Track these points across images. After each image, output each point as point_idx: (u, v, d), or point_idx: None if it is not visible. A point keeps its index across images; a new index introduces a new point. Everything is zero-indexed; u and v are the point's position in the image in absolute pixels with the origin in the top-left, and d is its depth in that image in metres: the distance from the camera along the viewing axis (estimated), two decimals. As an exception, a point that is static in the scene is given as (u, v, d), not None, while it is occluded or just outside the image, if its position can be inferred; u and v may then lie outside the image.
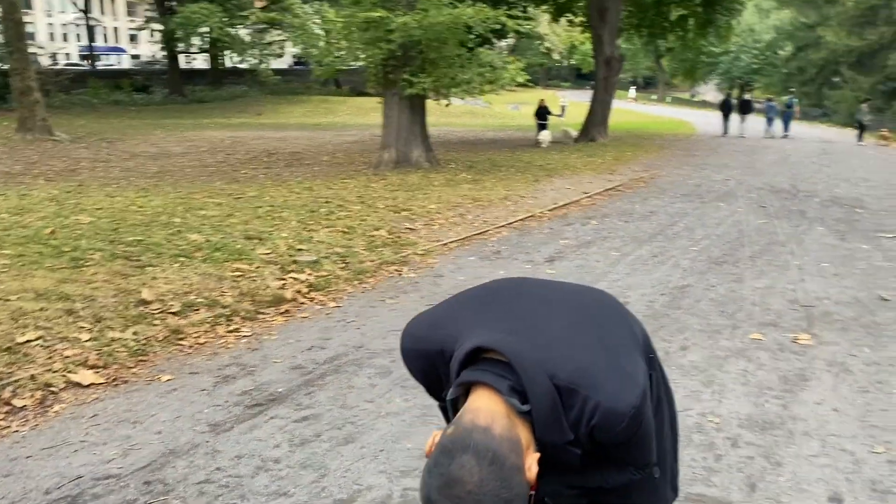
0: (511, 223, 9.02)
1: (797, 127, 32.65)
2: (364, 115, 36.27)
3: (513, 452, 1.22)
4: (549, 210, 9.96)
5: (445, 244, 7.80)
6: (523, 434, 1.29)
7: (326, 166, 15.39)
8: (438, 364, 1.47)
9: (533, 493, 1.58)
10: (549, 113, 21.72)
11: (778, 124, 28.65)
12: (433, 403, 3.75)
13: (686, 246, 7.88)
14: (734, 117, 28.45)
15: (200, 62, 50.38)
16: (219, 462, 3.21)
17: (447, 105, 15.00)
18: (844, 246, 8.06)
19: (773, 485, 3.08)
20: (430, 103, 14.93)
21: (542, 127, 21.19)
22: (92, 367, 4.19)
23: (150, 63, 50.18)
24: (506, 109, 41.59)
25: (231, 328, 5.01)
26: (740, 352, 4.69)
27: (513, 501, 1.19)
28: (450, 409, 1.43)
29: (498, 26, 13.08)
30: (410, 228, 8.45)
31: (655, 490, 1.62)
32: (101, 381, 4.08)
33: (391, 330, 5.07)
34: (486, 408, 1.27)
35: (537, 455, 1.30)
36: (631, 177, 13.76)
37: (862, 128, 26.12)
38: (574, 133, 21.88)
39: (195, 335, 4.81)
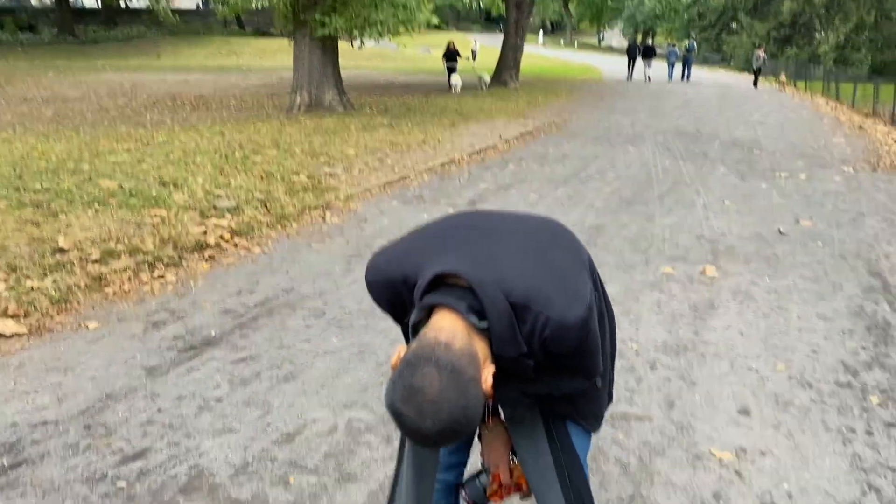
0: (431, 167, 9.08)
1: (697, 71, 33.81)
2: (269, 56, 35.15)
3: (471, 365, 1.33)
4: (468, 154, 10.07)
5: (367, 189, 7.81)
6: (481, 349, 1.40)
7: (235, 110, 14.95)
8: (403, 292, 1.56)
9: (490, 401, 1.71)
10: (458, 55, 21.55)
11: (679, 69, 29.61)
12: (369, 341, 3.87)
13: (599, 187, 8.17)
14: (639, 62, 29.18)
15: (91, 0, 47.32)
16: (159, 404, 3.23)
17: (360, 47, 14.76)
18: (744, 185, 8.55)
19: (688, 402, 3.35)
20: (341, 45, 14.65)
21: (451, 70, 21.05)
22: (12, 317, 4.07)
23: None
24: (416, 52, 41.10)
25: (156, 274, 4.93)
26: (653, 284, 4.98)
27: (469, 409, 1.30)
28: (412, 333, 1.53)
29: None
30: (330, 173, 8.40)
31: (598, 396, 1.79)
32: (24, 330, 3.97)
33: (320, 273, 5.10)
34: (447, 326, 1.37)
35: (493, 368, 1.42)
36: (544, 121, 14.00)
37: (757, 73, 27.28)
38: (488, 78, 21.92)
39: (119, 282, 4.71)
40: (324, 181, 7.97)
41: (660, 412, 3.26)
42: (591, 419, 1.79)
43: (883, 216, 7.15)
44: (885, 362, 3.82)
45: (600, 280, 1.78)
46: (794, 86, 28.29)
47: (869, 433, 3.11)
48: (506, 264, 1.48)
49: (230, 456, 2.82)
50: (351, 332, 4.07)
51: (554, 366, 1.56)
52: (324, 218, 6.67)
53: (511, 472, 1.84)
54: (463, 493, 1.87)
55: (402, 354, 1.38)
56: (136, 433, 2.98)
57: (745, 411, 3.28)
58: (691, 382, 3.55)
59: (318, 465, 2.78)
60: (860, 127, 15.03)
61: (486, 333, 1.41)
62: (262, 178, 7.75)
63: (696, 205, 7.40)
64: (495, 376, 1.43)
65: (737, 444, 3.00)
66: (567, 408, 1.73)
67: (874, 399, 3.41)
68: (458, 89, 20.13)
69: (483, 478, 1.86)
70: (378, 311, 4.34)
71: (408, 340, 1.70)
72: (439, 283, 1.47)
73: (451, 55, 21.31)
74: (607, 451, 2.91)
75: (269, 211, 6.58)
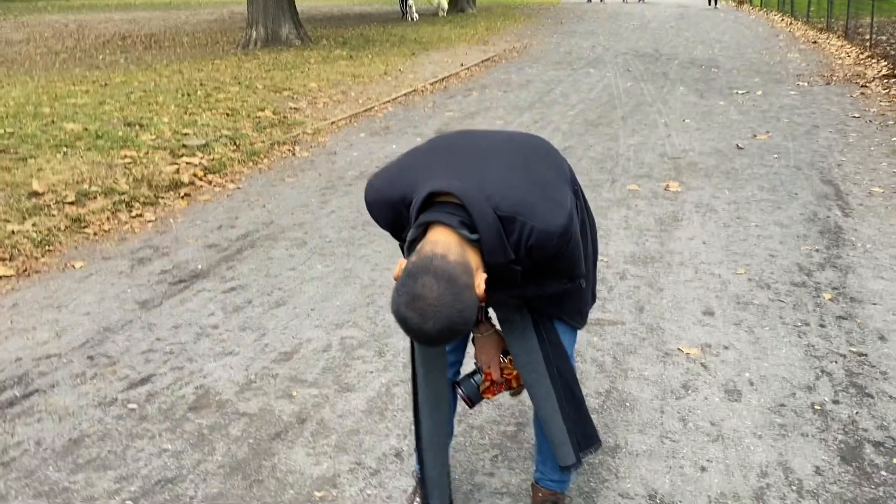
0: (395, 98, 9.09)
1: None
2: (219, -9, 34.02)
3: (465, 273, 1.50)
4: (431, 84, 10.08)
5: (333, 122, 7.83)
6: (473, 259, 1.56)
7: (189, 48, 14.61)
8: (401, 210, 1.70)
9: (482, 304, 1.89)
10: None
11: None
12: (352, 267, 4.03)
13: (563, 111, 8.29)
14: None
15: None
16: (157, 333, 3.36)
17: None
18: (703, 103, 8.74)
19: (657, 306, 3.59)
20: (295, -24, 14.31)
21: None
22: (-1, 261, 4.13)
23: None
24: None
25: (134, 214, 4.99)
26: (620, 201, 5.19)
27: (464, 311, 1.47)
28: (409, 248, 1.68)
29: None
30: (295, 108, 8.38)
31: (581, 296, 1.97)
32: (11, 273, 4.04)
33: (297, 206, 5.21)
34: (442, 240, 1.53)
35: (485, 275, 1.59)
36: (504, 47, 13.95)
37: (715, -10, 27.23)
38: (446, 5, 21.57)
39: (98, 222, 4.77)
40: (289, 116, 7.97)
41: (631, 316, 3.49)
42: (577, 317, 1.98)
43: (835, 127, 7.42)
44: (836, 262, 4.10)
45: (581, 190, 1.94)
46: (751, 3, 28.31)
47: (822, 325, 3.39)
48: (492, 180, 1.63)
49: (233, 375, 2.99)
50: (333, 259, 4.22)
51: (539, 270, 1.73)
52: (293, 152, 6.72)
53: (501, 370, 2.03)
54: (459, 390, 2.06)
55: (403, 267, 1.54)
56: (138, 361, 3.12)
57: (709, 312, 3.53)
58: (659, 289, 3.78)
59: (318, 378, 2.96)
60: (815, 42, 15.25)
61: (477, 244, 1.57)
62: (227, 115, 7.71)
63: (658, 124, 7.59)
64: (487, 282, 1.60)
65: (702, 341, 3.25)
66: (554, 308, 1.91)
67: (826, 295, 3.69)
68: (416, 17, 19.83)
69: (477, 377, 2.05)
70: (358, 238, 4.50)
71: (406, 255, 1.86)
72: (432, 200, 1.61)
73: None
74: (584, 353, 3.14)
75: (238, 147, 6.61)
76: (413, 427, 2.20)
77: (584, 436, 1.96)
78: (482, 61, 12.19)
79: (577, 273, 1.83)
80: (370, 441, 2.56)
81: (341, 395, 2.85)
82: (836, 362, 3.07)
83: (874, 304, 3.60)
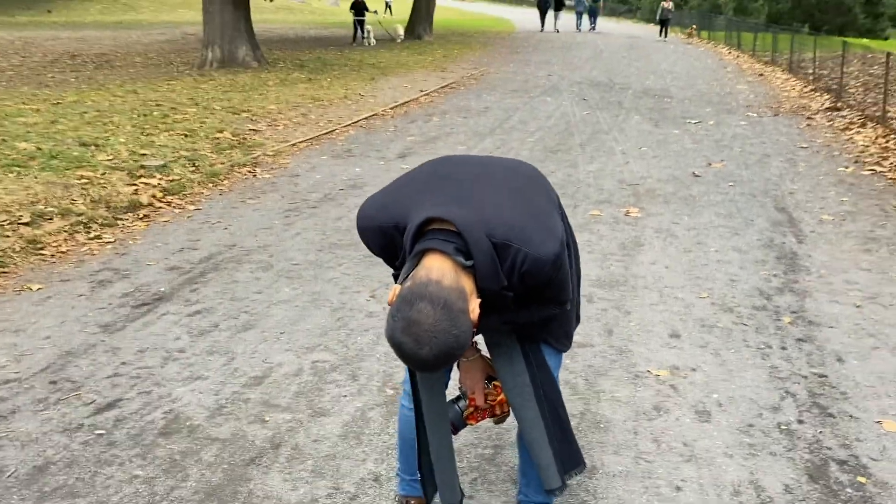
0: (356, 122, 9.11)
1: (605, 23, 34.46)
2: (169, 11, 33.62)
3: (459, 299, 1.51)
4: (391, 108, 10.12)
5: (294, 144, 7.80)
6: (467, 284, 1.58)
7: (142, 68, 14.41)
8: (395, 236, 1.71)
9: (475, 329, 1.90)
10: (366, 9, 21.13)
11: (586, 20, 30.21)
12: (320, 290, 4.00)
13: (523, 138, 8.41)
14: (549, 14, 29.53)
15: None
16: (122, 357, 3.28)
17: (271, 0, 14.42)
18: (658, 131, 8.97)
19: (625, 329, 3.65)
20: (253, -1, 14.28)
21: (359, 24, 20.68)
22: (-50, 282, 3.98)
23: None
24: (324, 5, 40.21)
25: (92, 235, 4.87)
26: (583, 226, 5.27)
27: (460, 337, 1.49)
28: (403, 275, 1.68)
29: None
30: (254, 129, 8.32)
31: (567, 318, 2.00)
32: (-36, 295, 3.91)
33: (260, 228, 5.16)
34: (436, 266, 1.54)
35: (479, 300, 1.60)
36: (462, 74, 14.12)
37: (665, 23, 28.05)
38: (402, 31, 21.75)
39: (55, 244, 4.64)
40: (249, 138, 7.91)
41: (600, 339, 3.54)
42: (563, 339, 2.00)
43: (785, 157, 7.68)
44: (794, 287, 4.23)
45: (565, 214, 1.98)
46: (699, 35, 29.25)
47: (783, 348, 3.49)
48: (487, 207, 1.65)
49: (203, 400, 2.93)
50: (301, 283, 4.18)
51: (530, 296, 1.76)
52: (254, 174, 6.67)
53: (486, 396, 2.03)
54: None
55: (397, 293, 1.55)
56: (104, 385, 3.04)
57: (675, 335, 3.60)
58: (626, 312, 3.84)
59: (290, 403, 2.92)
60: (761, 74, 15.81)
61: (472, 270, 1.59)
62: (185, 136, 7.61)
63: (616, 151, 7.75)
64: (480, 307, 1.61)
65: (671, 363, 3.31)
66: (541, 331, 1.94)
67: (786, 319, 3.80)
68: (373, 42, 19.93)
69: (461, 402, 2.05)
70: (325, 261, 4.48)
71: (399, 281, 1.86)
72: (426, 227, 1.63)
73: (358, 8, 20.81)
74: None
75: (197, 169, 6.52)
76: (400, 443, 2.18)
77: (569, 458, 1.98)
78: (441, 87, 12.31)
79: (564, 298, 1.86)
80: (347, 466, 2.53)
81: (315, 419, 2.81)
82: (798, 383, 3.16)
83: (831, 327, 3.72)
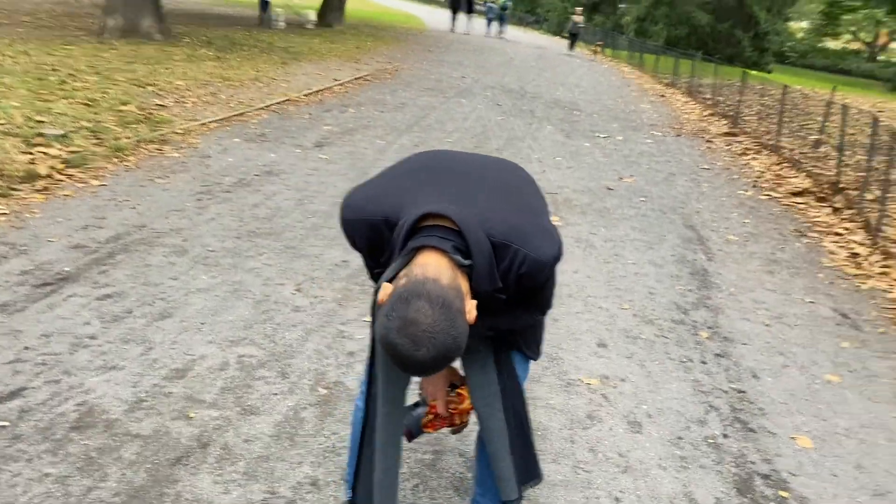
0: (269, 106, 8.80)
1: (513, 31, 35.03)
2: (64, -28, 31.55)
3: (457, 299, 1.44)
4: (305, 95, 9.86)
5: (204, 124, 7.44)
6: (463, 284, 1.51)
7: (32, 28, 13.40)
8: (382, 230, 1.61)
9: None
10: None
11: (495, 25, 30.71)
12: (241, 280, 3.81)
13: (441, 137, 8.37)
14: (461, 16, 29.75)
15: None
16: (24, 342, 3.00)
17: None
18: (571, 143, 9.16)
19: (555, 336, 3.67)
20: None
21: (264, 5, 19.98)
22: None
23: None
24: (230, -16, 38.72)
25: (-18, 205, 4.46)
26: (506, 231, 5.28)
27: (458, 338, 1.41)
28: (391, 272, 1.57)
29: None
30: (161, 105, 7.88)
31: (541, 327, 1.98)
32: None
33: (171, 210, 4.87)
34: (432, 263, 1.46)
35: (475, 301, 1.54)
36: (376, 67, 13.95)
37: (574, 37, 28.75)
38: (314, 16, 21.29)
39: (-60, 212, 4.22)
40: (156, 113, 7.48)
41: (530, 346, 3.54)
42: (535, 347, 1.97)
43: (689, 177, 8.02)
44: (707, 303, 4.39)
45: None
46: (604, 53, 30.19)
47: (703, 362, 3.60)
48: (486, 205, 1.58)
49: (120, 392, 2.71)
50: (220, 271, 3.97)
51: (519, 301, 1.71)
52: (162, 152, 6.31)
53: (447, 404, 1.96)
54: None
55: (389, 292, 1.45)
56: (4, 372, 2.76)
57: (602, 344, 3.65)
58: (554, 319, 3.87)
59: (217, 399, 2.75)
60: (662, 95, 16.47)
61: (467, 271, 1.52)
62: (86, 105, 7.11)
63: (532, 159, 7.84)
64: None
65: (600, 372, 3.35)
66: (517, 339, 1.89)
67: (704, 334, 3.93)
68: (282, 25, 19.37)
69: (420, 409, 1.97)
70: (244, 250, 4.27)
71: (373, 278, 1.77)
72: (420, 224, 1.54)
73: None
74: (491, 381, 3.14)
75: (101, 142, 6.10)
76: (352, 446, 2.06)
77: (527, 471, 1.94)
78: (355, 79, 12.10)
79: (549, 305, 1.82)
80: (282, 469, 2.40)
81: (245, 418, 2.66)
82: (720, 398, 3.27)
83: (744, 344, 3.89)
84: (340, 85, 11.27)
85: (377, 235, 1.61)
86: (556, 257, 1.60)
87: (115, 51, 11.13)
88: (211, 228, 4.61)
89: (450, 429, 2.01)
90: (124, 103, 7.51)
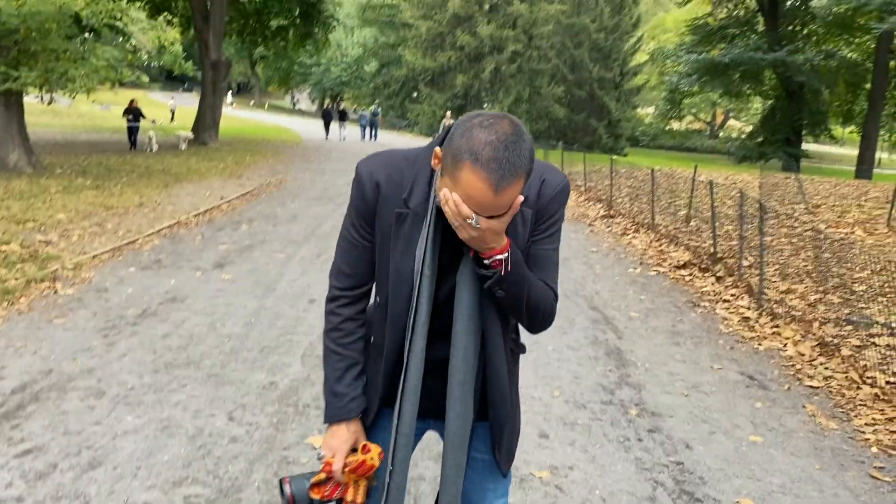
0: (159, 230, 8.61)
1: (386, 135, 36.15)
2: None
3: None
4: (194, 216, 9.72)
5: (95, 256, 7.18)
6: None
7: None
8: (383, 202, 1.62)
9: (507, 253, 1.57)
10: (142, 115, 20.08)
11: (368, 131, 31.77)
12: (170, 415, 3.69)
13: (339, 245, 8.44)
14: (334, 125, 30.53)
15: None
16: (-58, 516, 2.74)
17: (49, 103, 13.48)
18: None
19: (496, 433, 3.71)
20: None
21: (133, 130, 19.68)
22: None
23: None
24: (92, 109, 38.03)
25: None
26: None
27: (532, 154, 1.45)
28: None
29: (114, 21, 12.18)
30: (45, 241, 7.57)
31: (518, 432, 1.93)
32: None
33: (78, 350, 4.64)
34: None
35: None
36: (260, 181, 13.98)
37: (444, 138, 29.97)
38: (190, 135, 21.18)
39: None
40: (41, 250, 7.16)
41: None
42: (509, 457, 1.88)
43: (582, 260, 8.43)
44: (628, 381, 4.59)
45: None
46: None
47: (639, 440, 3.74)
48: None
49: (64, 557, 2.52)
50: (144, 409, 3.80)
51: (537, 246, 1.70)
52: (55, 290, 6.03)
53: (345, 466, 1.67)
54: (285, 486, 1.66)
55: (441, 152, 1.48)
56: (-75, 553, 2.51)
57: (544, 435, 3.73)
58: (491, 416, 3.92)
59: (171, 548, 2.61)
60: (537, 185, 17.32)
61: None
62: (-37, 248, 6.73)
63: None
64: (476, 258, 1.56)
65: (549, 463, 3.42)
66: (505, 319, 1.76)
67: (633, 411, 4.10)
68: (154, 147, 19.14)
69: (312, 472, 1.69)
70: (165, 384, 4.12)
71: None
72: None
73: (135, 114, 19.77)
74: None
75: (-14, 286, 5.76)
76: None
77: None
78: (242, 195, 12.07)
79: (556, 288, 1.78)
80: None
81: (206, 563, 2.53)
82: (662, 472, 3.40)
83: (670, 416, 4.08)
84: (228, 202, 11.20)
85: (399, 173, 1.63)
86: (568, 184, 1.69)
87: (-16, 188, 10.63)
88: (125, 365, 4.41)
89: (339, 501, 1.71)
90: (5, 243, 7.17)
